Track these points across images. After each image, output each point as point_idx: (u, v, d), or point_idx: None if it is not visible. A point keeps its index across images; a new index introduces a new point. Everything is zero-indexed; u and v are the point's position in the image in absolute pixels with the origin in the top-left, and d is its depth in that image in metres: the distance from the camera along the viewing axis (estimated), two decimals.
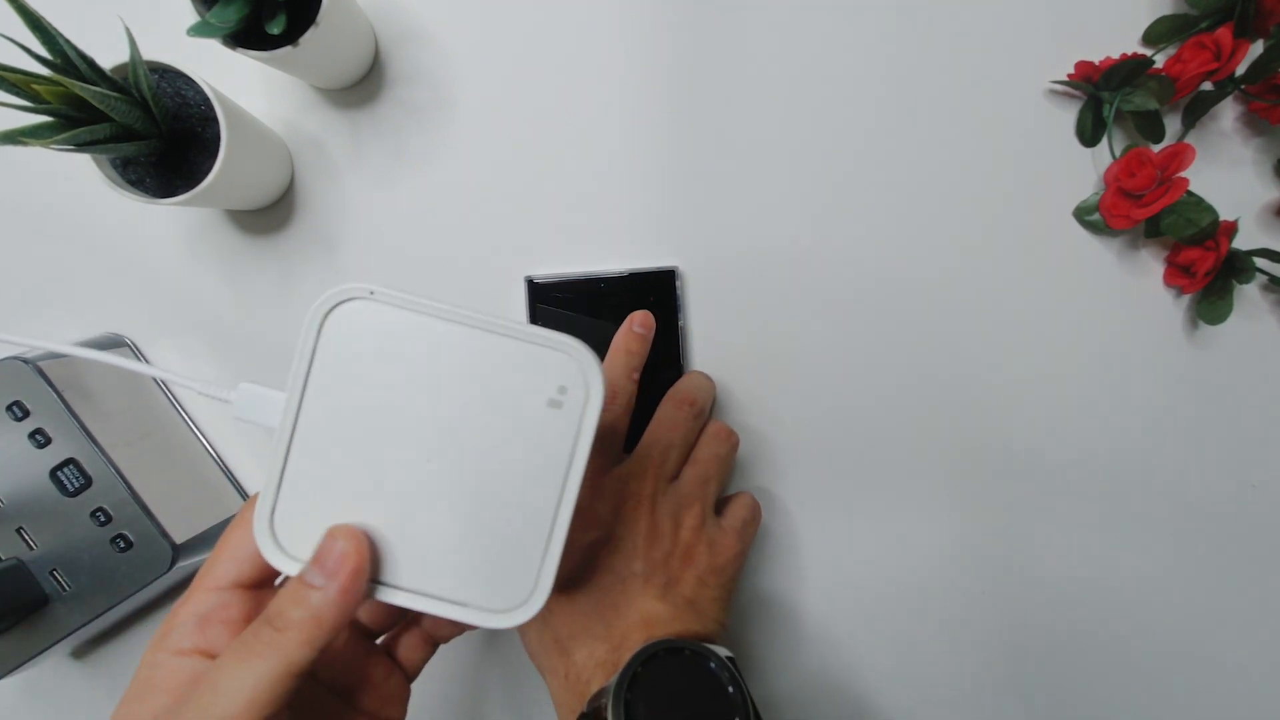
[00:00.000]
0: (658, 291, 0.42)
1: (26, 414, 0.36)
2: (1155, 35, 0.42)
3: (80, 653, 0.43)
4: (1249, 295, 0.43)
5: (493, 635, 0.43)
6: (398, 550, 0.25)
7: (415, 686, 0.31)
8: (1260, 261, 0.40)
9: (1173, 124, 0.42)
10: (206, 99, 0.35)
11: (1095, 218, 0.42)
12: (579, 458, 0.25)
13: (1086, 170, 0.43)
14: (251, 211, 0.42)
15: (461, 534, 0.25)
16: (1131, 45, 0.42)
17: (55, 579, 0.36)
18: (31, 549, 0.36)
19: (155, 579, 0.37)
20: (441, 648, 0.31)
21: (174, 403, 0.43)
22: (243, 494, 0.43)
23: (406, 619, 0.30)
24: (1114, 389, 0.43)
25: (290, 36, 0.34)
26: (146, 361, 0.43)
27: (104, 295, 0.43)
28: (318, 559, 0.23)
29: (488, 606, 0.25)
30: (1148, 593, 0.44)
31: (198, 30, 0.33)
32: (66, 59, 0.31)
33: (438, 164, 0.43)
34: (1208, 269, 0.40)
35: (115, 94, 0.31)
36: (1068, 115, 0.43)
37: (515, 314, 0.42)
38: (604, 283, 0.42)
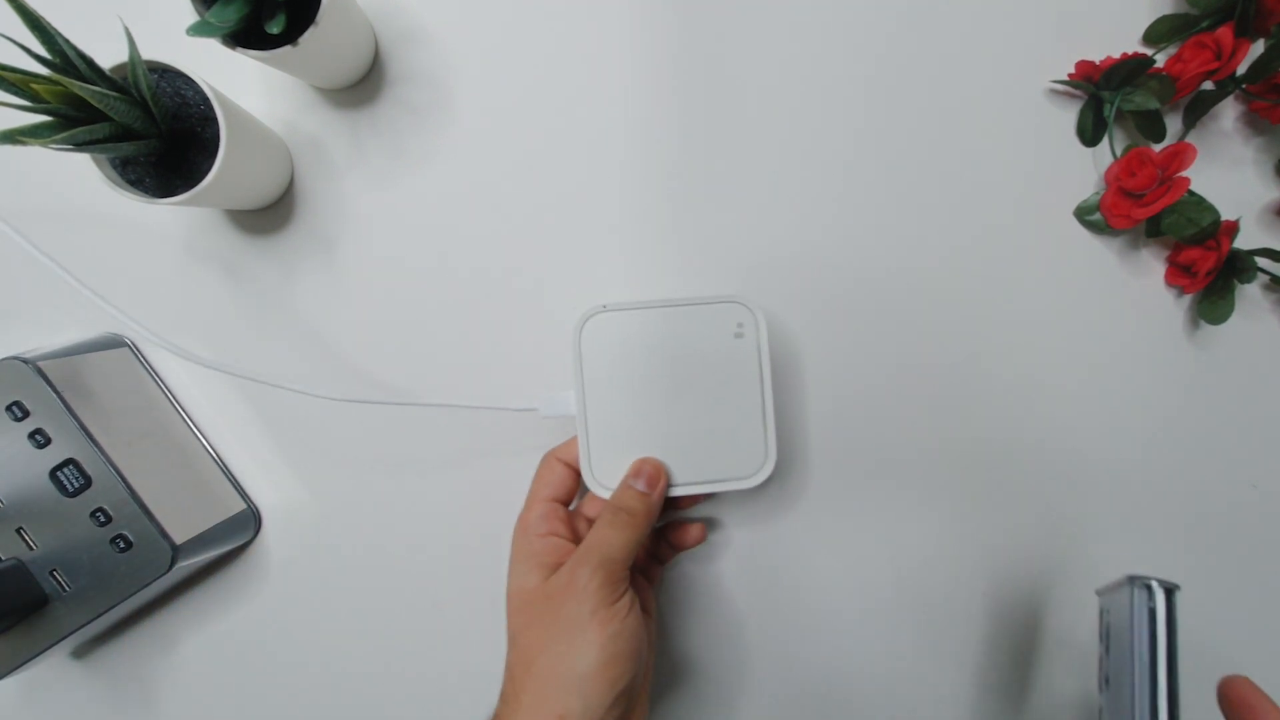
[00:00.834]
0: None
1: (26, 414, 0.36)
2: (1156, 35, 0.42)
3: (80, 653, 0.43)
4: (1250, 295, 0.43)
5: None
6: (674, 462, 0.37)
7: None
8: (1261, 261, 0.40)
9: (1173, 124, 0.42)
10: (206, 99, 0.35)
11: (1096, 217, 0.42)
12: (765, 364, 0.37)
13: (1087, 170, 0.43)
14: (251, 211, 0.42)
15: (709, 437, 0.37)
16: (1132, 45, 0.42)
17: (55, 579, 0.36)
18: (31, 549, 0.36)
19: (155, 579, 0.37)
20: None
21: (174, 403, 0.43)
22: (243, 494, 0.43)
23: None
24: (1115, 388, 0.43)
25: (290, 36, 0.34)
26: (146, 362, 0.43)
27: (104, 295, 0.43)
28: (643, 478, 0.36)
29: (740, 476, 0.37)
30: None
31: (197, 30, 0.33)
32: (66, 58, 0.31)
33: (437, 164, 0.43)
34: (1209, 269, 0.40)
35: (114, 94, 0.31)
36: (1068, 115, 0.43)
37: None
38: None
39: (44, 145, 0.30)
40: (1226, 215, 0.40)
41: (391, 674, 0.44)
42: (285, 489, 0.43)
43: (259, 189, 0.40)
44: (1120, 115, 0.41)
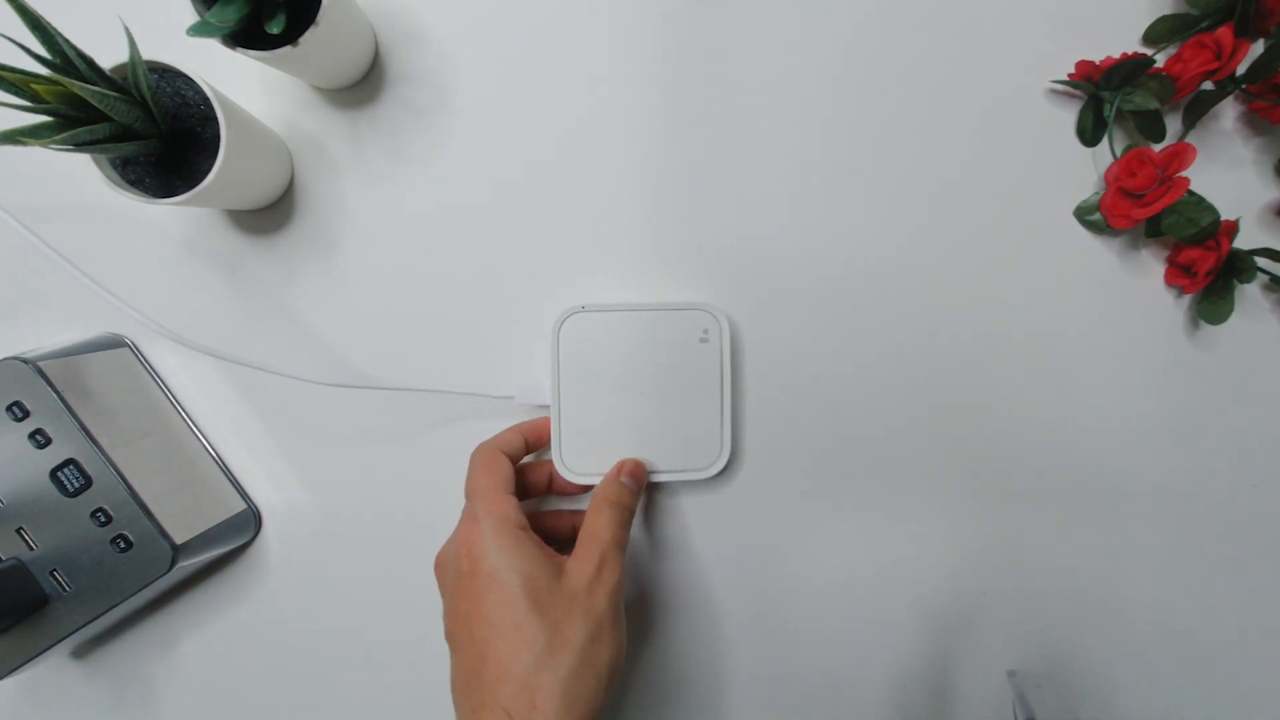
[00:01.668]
0: None
1: (26, 414, 0.36)
2: (1156, 35, 0.42)
3: (80, 653, 0.43)
4: (1250, 295, 0.43)
5: None
6: (637, 452, 0.40)
7: None
8: (1261, 261, 0.40)
9: (1173, 124, 0.42)
10: (206, 99, 0.35)
11: (1096, 217, 0.42)
12: (726, 368, 0.40)
13: (1087, 170, 0.43)
14: (251, 211, 0.42)
15: (672, 431, 0.40)
16: (1132, 45, 0.42)
17: (55, 579, 0.36)
18: (31, 549, 0.36)
19: (155, 579, 0.37)
20: None
21: (174, 403, 0.43)
22: (243, 494, 0.43)
23: None
24: (1115, 389, 0.43)
25: (290, 36, 0.34)
26: (146, 362, 0.43)
27: (104, 295, 0.43)
28: (629, 474, 0.39)
29: (697, 468, 0.41)
30: (1149, 592, 0.43)
31: (197, 30, 0.33)
32: (66, 59, 0.31)
33: (437, 164, 0.43)
34: (1209, 269, 0.40)
35: (115, 94, 0.31)
36: (1068, 115, 0.43)
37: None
38: None
39: (44, 145, 0.30)
40: (1226, 215, 0.40)
41: (392, 673, 0.44)
42: (285, 489, 0.43)
43: (259, 189, 0.40)
44: (1120, 115, 0.41)
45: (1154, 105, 0.40)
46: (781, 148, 0.43)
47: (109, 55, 0.32)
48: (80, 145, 0.31)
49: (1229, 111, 0.43)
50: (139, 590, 0.37)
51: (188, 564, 0.38)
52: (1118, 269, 0.43)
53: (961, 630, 0.44)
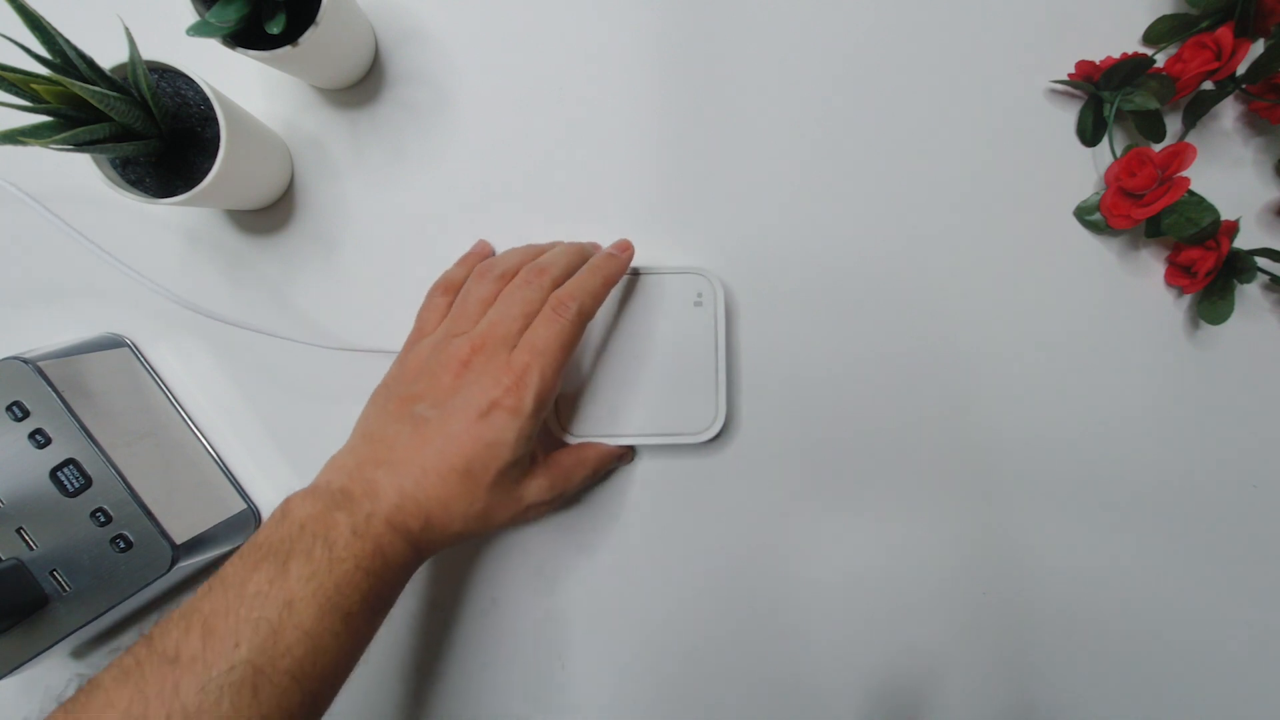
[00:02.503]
0: None
1: (26, 414, 0.36)
2: (1156, 35, 0.42)
3: (80, 653, 0.43)
4: (1250, 295, 0.43)
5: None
6: (632, 413, 0.40)
7: None
8: (1261, 261, 0.40)
9: (1173, 123, 0.42)
10: (206, 99, 0.35)
11: (1096, 217, 0.42)
12: (720, 332, 0.40)
13: (1087, 170, 0.43)
14: (251, 211, 0.42)
15: (666, 394, 0.40)
16: (1132, 45, 0.42)
17: (55, 579, 0.36)
18: (31, 549, 0.36)
19: (155, 579, 0.37)
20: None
21: (174, 403, 0.43)
22: (243, 494, 0.43)
23: None
24: (1115, 389, 0.43)
25: (290, 36, 0.34)
26: (146, 362, 0.43)
27: (104, 295, 0.43)
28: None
29: (691, 431, 0.40)
30: (1149, 593, 0.43)
31: (197, 30, 0.33)
32: (66, 59, 0.31)
33: (438, 164, 0.43)
34: (1209, 269, 0.40)
35: (115, 94, 0.31)
36: (1068, 115, 0.43)
37: None
38: None
39: (44, 145, 0.30)
40: (1226, 215, 0.40)
41: (391, 672, 0.44)
42: (285, 488, 0.43)
43: (259, 189, 0.40)
44: (1120, 115, 0.41)
45: (1154, 105, 0.40)
46: (781, 147, 0.43)
47: (109, 55, 0.32)
48: (80, 145, 0.31)
49: (1229, 111, 0.43)
50: (139, 590, 0.37)
51: (188, 564, 0.38)
52: (1118, 269, 0.43)
53: (961, 629, 0.44)
